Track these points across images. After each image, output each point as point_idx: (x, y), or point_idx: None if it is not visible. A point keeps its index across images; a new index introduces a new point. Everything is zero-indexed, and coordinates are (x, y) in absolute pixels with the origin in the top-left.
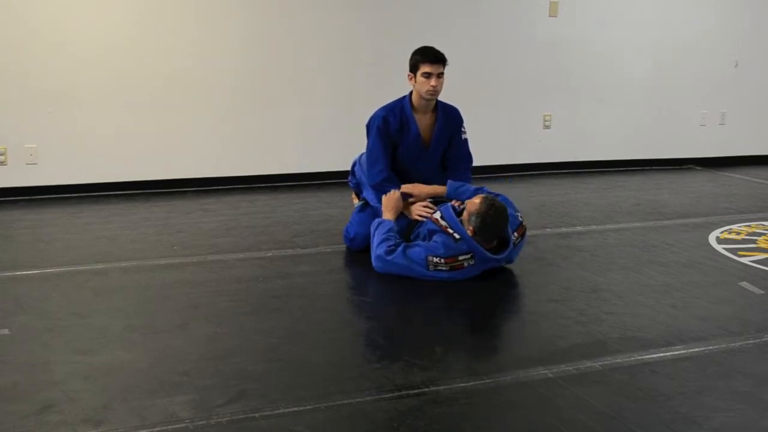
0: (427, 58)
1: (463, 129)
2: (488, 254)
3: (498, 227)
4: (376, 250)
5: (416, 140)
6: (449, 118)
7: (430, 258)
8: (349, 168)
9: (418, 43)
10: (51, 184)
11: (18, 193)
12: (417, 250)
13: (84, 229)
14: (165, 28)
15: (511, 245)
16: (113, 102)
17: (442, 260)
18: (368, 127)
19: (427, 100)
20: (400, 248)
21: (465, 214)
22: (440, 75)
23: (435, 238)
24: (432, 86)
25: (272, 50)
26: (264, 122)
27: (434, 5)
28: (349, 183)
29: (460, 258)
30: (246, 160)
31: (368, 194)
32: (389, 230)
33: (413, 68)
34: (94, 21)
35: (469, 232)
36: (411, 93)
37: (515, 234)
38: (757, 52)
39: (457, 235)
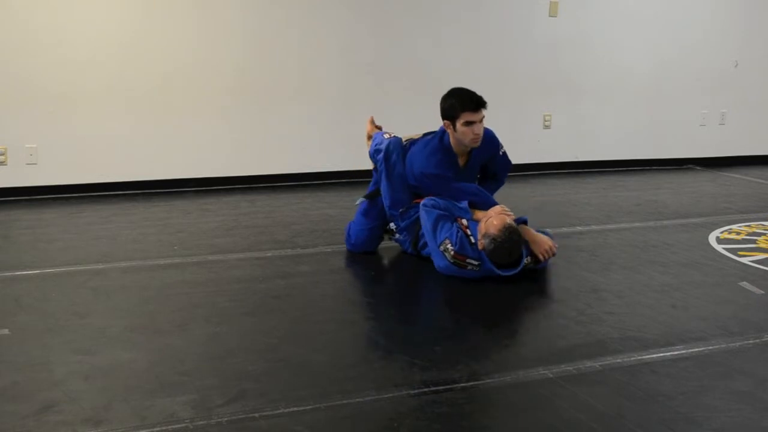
0: (469, 106)
1: (500, 148)
2: (494, 269)
3: (509, 256)
4: (427, 200)
5: (455, 171)
6: (484, 146)
7: (446, 241)
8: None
9: (419, 43)
10: (51, 184)
11: (18, 193)
12: (446, 226)
13: (84, 229)
14: (165, 29)
15: (521, 266)
16: (113, 102)
17: (452, 252)
18: (415, 166)
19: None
20: (436, 212)
21: (482, 227)
22: (482, 119)
23: (459, 232)
24: (476, 135)
25: (272, 50)
26: (264, 122)
27: (434, 5)
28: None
29: (468, 260)
30: (246, 160)
31: (383, 188)
32: (450, 209)
33: (450, 116)
34: (94, 21)
35: (479, 246)
36: (445, 134)
37: (528, 258)
38: (757, 52)
39: (473, 239)
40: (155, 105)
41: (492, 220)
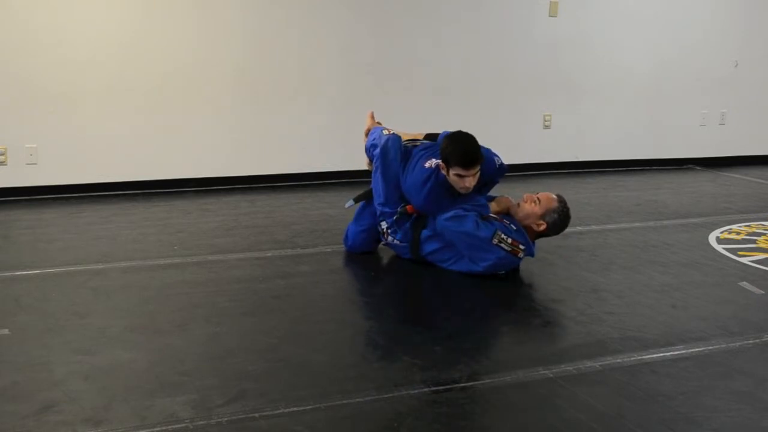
0: (461, 162)
1: (496, 163)
2: (533, 250)
3: (570, 218)
4: (446, 214)
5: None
6: (483, 170)
7: (498, 232)
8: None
9: (419, 43)
10: (51, 184)
11: (18, 193)
12: (484, 224)
13: (84, 229)
14: (165, 29)
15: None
16: (113, 102)
17: (509, 240)
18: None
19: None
20: (473, 214)
21: (537, 209)
22: (476, 173)
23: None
24: (465, 186)
25: (272, 50)
26: (264, 122)
27: (434, 5)
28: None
29: (520, 245)
30: (246, 160)
31: (376, 184)
32: (478, 212)
33: (445, 161)
34: (94, 21)
35: (541, 228)
36: (440, 172)
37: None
38: (757, 52)
39: (513, 227)
40: (155, 105)
41: (540, 199)
